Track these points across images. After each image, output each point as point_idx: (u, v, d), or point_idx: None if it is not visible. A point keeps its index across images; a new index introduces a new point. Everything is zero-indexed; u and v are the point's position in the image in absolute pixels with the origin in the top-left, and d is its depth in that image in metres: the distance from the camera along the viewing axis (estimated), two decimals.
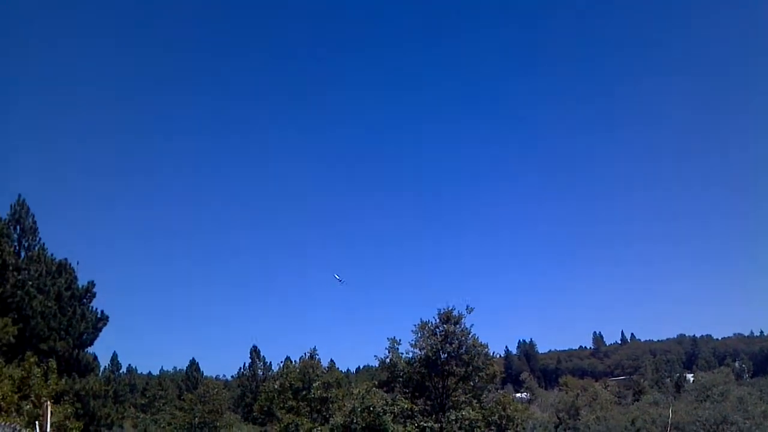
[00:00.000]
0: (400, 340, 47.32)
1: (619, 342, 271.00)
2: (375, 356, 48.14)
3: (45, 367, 25.95)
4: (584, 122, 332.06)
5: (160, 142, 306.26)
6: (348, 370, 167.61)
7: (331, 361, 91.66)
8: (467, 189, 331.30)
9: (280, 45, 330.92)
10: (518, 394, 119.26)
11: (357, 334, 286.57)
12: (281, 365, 60.72)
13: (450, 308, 45.99)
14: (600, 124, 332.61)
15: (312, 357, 52.93)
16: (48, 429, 21.85)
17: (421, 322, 46.69)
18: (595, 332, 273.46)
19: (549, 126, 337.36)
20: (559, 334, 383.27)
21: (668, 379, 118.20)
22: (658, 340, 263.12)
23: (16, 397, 20.99)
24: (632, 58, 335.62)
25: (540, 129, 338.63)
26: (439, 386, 45.48)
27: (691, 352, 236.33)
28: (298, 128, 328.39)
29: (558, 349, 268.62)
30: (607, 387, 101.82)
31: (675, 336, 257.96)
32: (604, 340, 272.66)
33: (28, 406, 21.83)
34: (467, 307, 46.05)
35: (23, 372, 22.94)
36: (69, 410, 27.42)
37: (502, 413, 41.76)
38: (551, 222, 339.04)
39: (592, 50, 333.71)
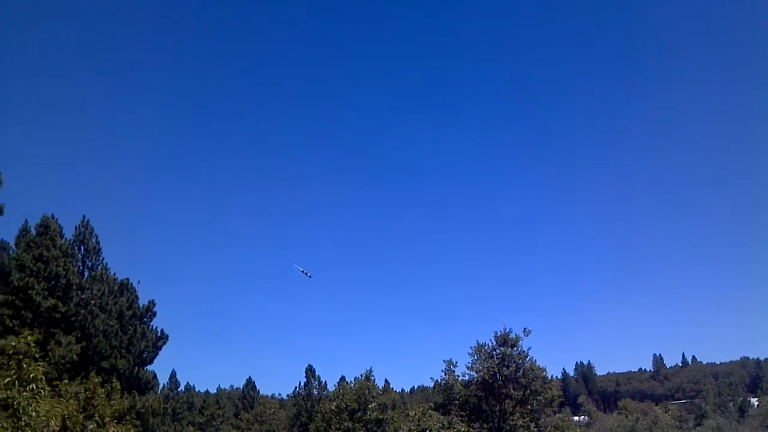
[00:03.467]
0: (456, 362, 46.98)
1: (680, 364, 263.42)
2: (431, 378, 47.85)
3: (109, 387, 26.38)
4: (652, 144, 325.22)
5: (218, 160, 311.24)
6: (402, 390, 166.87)
7: (386, 381, 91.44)
8: (522, 209, 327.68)
9: None
10: (576, 418, 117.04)
11: (411, 354, 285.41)
12: (337, 386, 60.81)
13: (507, 330, 45.53)
14: (675, 144, 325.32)
15: (368, 378, 52.83)
16: None
17: (478, 344, 46.31)
18: (655, 354, 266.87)
19: (623, 143, 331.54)
20: (618, 356, 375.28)
21: (731, 403, 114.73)
22: (721, 363, 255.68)
23: (81, 417, 21.29)
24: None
25: (615, 145, 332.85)
26: (496, 409, 44.93)
27: (755, 375, 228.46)
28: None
29: (617, 372, 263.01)
30: (668, 411, 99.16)
31: (738, 359, 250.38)
32: (665, 362, 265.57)
33: (92, 426, 22.12)
34: (524, 329, 45.56)
35: (88, 393, 23.29)
36: (131, 431, 27.81)
37: None
38: (611, 244, 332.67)
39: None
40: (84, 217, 44.89)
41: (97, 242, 44.88)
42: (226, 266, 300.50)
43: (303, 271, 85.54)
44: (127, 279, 45.72)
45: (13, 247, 41.60)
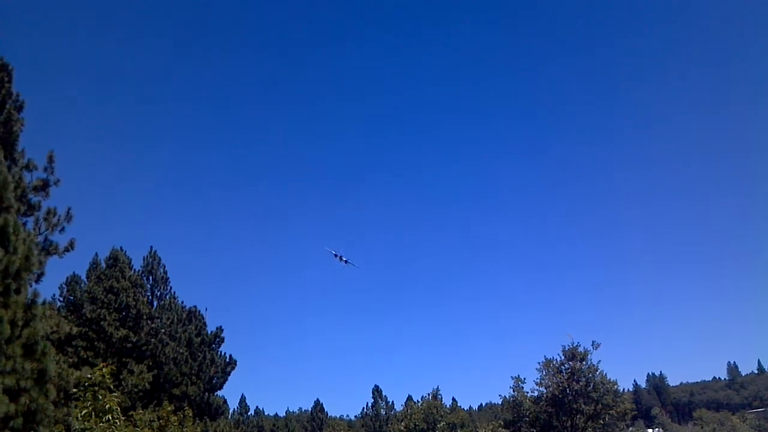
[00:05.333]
0: (524, 378, 46.36)
1: (756, 372, 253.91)
2: (499, 395, 47.35)
3: (181, 415, 26.82)
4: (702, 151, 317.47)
5: (279, 184, 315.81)
6: (470, 407, 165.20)
7: (454, 400, 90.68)
8: (586, 219, 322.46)
9: None
10: (650, 431, 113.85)
11: (478, 370, 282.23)
12: (404, 405, 60.61)
13: (574, 344, 44.75)
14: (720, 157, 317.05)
15: (435, 397, 52.53)
16: None
17: (546, 359, 45.65)
18: (729, 362, 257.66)
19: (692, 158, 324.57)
20: (690, 365, 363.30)
21: None
22: None
23: None
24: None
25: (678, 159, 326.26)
26: (567, 425, 44.08)
27: None
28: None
29: (690, 382, 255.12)
30: (746, 420, 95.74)
31: None
32: (740, 369, 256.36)
33: None
34: (593, 342, 44.75)
35: (161, 421, 23.75)
36: None
37: None
38: (680, 250, 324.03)
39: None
40: (151, 248, 46.13)
41: (165, 271, 46.01)
42: (291, 288, 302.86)
43: (338, 256, 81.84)
44: (195, 306, 46.77)
45: (85, 280, 42.92)
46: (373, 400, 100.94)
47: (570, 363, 44.37)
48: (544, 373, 45.25)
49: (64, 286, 42.92)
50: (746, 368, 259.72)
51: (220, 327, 47.62)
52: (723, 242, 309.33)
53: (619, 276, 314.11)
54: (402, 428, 49.32)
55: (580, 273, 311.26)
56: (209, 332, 46.86)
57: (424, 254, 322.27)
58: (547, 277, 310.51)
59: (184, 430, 25.79)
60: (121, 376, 35.93)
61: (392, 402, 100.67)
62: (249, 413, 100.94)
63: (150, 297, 44.74)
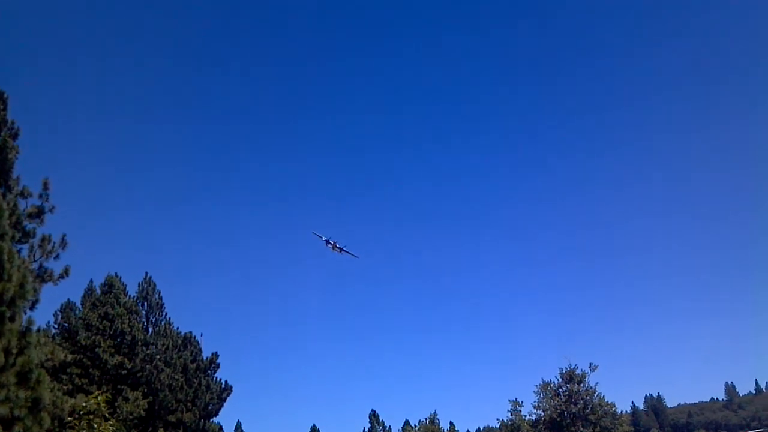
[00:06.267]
0: (522, 402, 46.18)
1: (754, 392, 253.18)
2: (497, 419, 47.09)
3: None
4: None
5: (276, 206, 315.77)
6: (468, 431, 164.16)
7: (451, 424, 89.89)
8: (584, 239, 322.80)
9: None
10: None
11: (476, 394, 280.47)
12: (401, 430, 60.21)
13: (572, 366, 44.62)
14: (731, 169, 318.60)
15: (432, 421, 52.22)
16: None
17: (543, 382, 45.47)
18: (726, 382, 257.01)
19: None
20: (688, 386, 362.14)
21: None
22: None
23: None
24: None
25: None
26: None
27: None
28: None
29: (688, 402, 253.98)
30: None
31: None
32: (737, 390, 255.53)
33: None
34: (590, 364, 44.64)
35: None
36: None
37: None
38: (677, 271, 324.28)
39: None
40: (146, 273, 46.00)
41: (160, 297, 45.83)
42: (287, 314, 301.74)
43: (330, 242, 78.00)
44: (191, 332, 46.49)
45: (80, 306, 42.75)
46: (369, 425, 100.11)
47: (568, 385, 44.28)
48: (541, 396, 45.12)
49: (58, 312, 42.76)
50: (744, 388, 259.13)
51: (216, 353, 47.40)
52: (720, 263, 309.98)
53: (616, 297, 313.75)
54: None
55: (578, 294, 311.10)
56: (205, 358, 46.59)
57: (422, 274, 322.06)
58: (544, 297, 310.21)
59: None
60: (117, 404, 35.68)
61: (389, 427, 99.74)
62: None
63: (145, 323, 44.55)
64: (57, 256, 22.67)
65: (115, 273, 43.17)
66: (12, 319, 12.31)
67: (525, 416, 45.49)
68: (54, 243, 22.60)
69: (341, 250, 79.55)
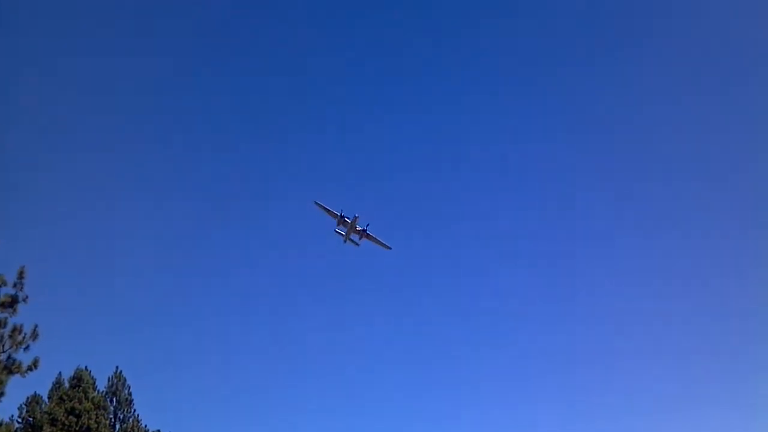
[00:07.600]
0: None
1: None
2: None
3: None
4: None
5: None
6: None
7: None
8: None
9: None
10: None
11: None
12: None
13: None
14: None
15: None
16: None
17: None
18: None
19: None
20: None
21: None
22: None
23: None
24: None
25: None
26: None
27: None
28: None
29: None
30: None
31: None
32: None
33: None
34: None
35: None
36: None
37: None
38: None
39: None
40: (117, 367, 45.16)
41: (129, 393, 44.91)
42: (261, 410, 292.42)
43: (340, 216, 55.70)
44: (159, 430, 45.23)
45: (46, 400, 41.73)
46: None
47: None
48: None
49: (24, 406, 41.69)
50: None
51: None
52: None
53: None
54: None
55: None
56: None
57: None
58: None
59: None
60: None
61: None
62: None
63: (113, 420, 43.44)
64: (27, 347, 22.40)
65: (85, 366, 42.43)
66: None
67: None
68: (25, 333, 22.38)
69: (364, 234, 56.49)
